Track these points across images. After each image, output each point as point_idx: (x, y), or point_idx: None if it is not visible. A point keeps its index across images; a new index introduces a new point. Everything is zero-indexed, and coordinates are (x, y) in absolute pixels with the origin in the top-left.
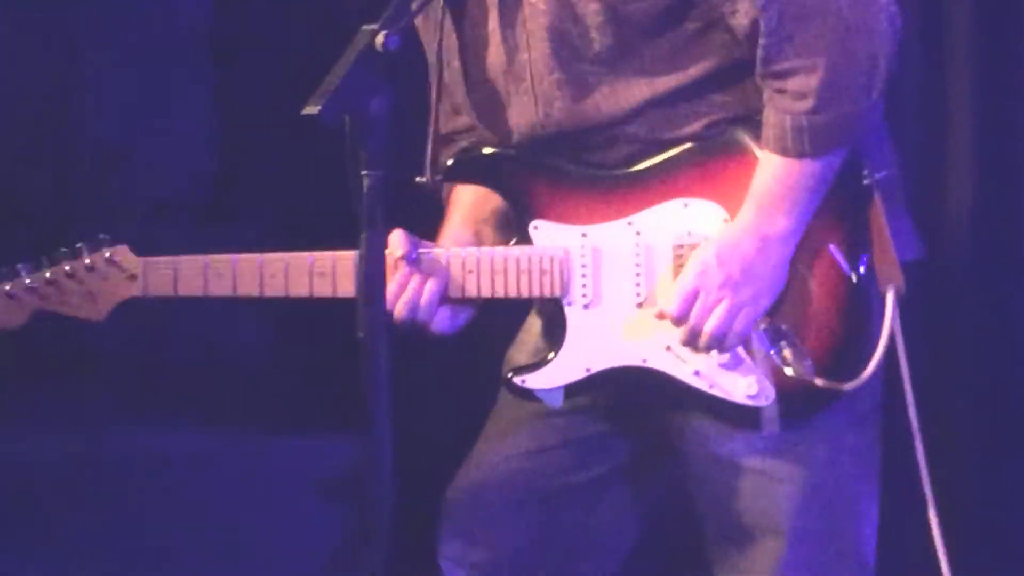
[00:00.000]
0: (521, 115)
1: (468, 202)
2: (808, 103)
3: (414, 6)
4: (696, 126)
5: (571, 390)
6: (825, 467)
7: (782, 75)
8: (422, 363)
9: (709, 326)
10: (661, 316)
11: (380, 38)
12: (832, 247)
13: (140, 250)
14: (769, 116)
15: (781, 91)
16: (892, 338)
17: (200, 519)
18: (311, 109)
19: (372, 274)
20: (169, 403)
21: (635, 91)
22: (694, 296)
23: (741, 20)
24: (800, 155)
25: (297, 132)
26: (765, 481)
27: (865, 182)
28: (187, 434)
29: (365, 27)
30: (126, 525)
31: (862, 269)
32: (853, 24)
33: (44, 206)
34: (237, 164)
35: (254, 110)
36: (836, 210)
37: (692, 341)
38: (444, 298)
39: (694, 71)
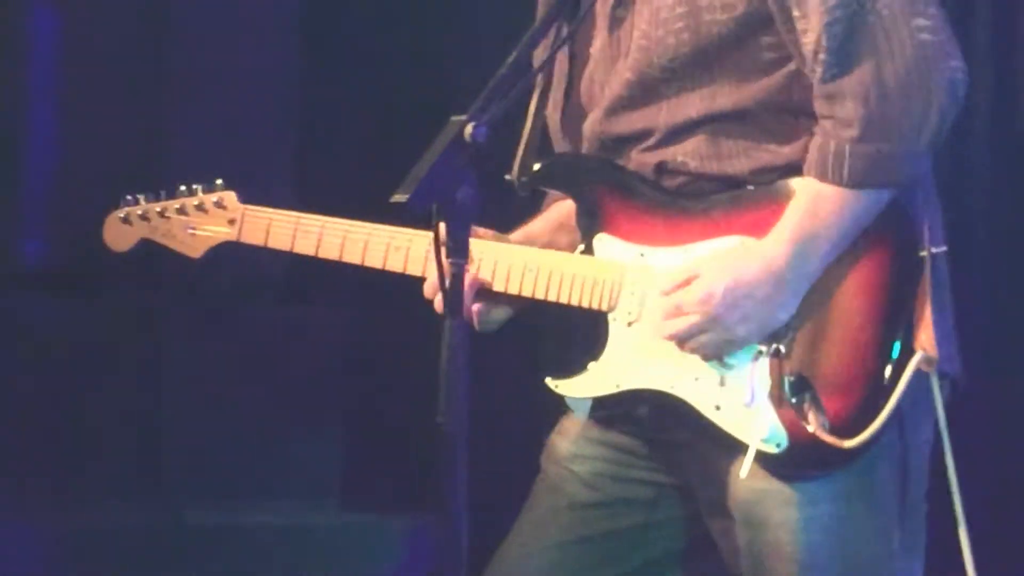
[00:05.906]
0: (591, 121)
1: (562, 207)
2: (853, 131)
3: (504, 95)
4: (742, 164)
5: (598, 403)
6: (841, 520)
7: (832, 97)
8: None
9: (673, 326)
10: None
11: (469, 129)
12: (873, 310)
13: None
14: (814, 141)
15: (829, 117)
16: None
17: None
18: (399, 197)
19: (456, 362)
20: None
21: (696, 105)
22: (679, 304)
23: (811, 37)
24: (839, 181)
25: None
26: (777, 527)
27: (921, 254)
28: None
29: (454, 117)
30: None
31: (899, 334)
32: (915, 71)
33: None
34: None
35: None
36: (885, 273)
37: (663, 318)
38: (482, 291)
39: (757, 94)
